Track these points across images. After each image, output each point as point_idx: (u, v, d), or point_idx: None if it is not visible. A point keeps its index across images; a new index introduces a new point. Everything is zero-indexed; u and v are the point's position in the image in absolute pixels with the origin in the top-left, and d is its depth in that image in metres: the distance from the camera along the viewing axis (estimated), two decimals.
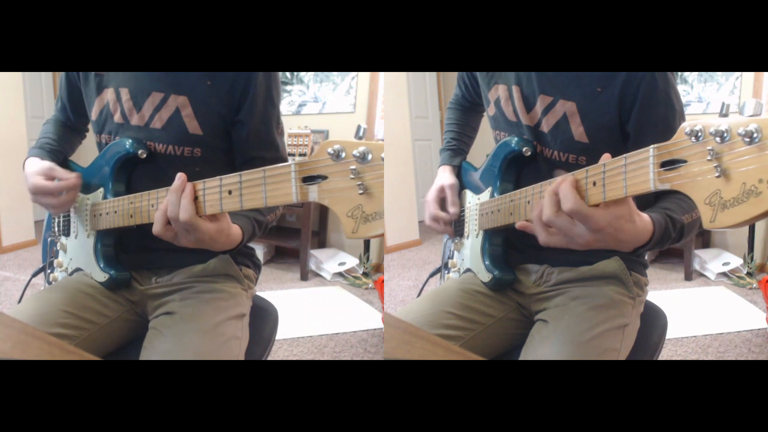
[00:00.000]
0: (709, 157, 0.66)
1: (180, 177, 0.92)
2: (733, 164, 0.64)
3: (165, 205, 0.93)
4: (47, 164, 1.17)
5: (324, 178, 0.77)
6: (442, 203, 1.28)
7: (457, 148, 1.36)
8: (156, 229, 0.94)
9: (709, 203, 0.67)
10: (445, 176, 1.29)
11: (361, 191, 0.75)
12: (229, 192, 0.87)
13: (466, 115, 1.39)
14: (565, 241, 0.86)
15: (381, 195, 0.74)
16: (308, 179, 0.78)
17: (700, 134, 0.67)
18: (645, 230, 0.86)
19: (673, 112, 1.02)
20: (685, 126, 0.69)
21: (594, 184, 0.83)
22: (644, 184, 0.75)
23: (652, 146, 0.73)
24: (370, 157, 0.74)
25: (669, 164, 0.71)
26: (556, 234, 0.87)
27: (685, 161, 0.69)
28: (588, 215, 0.81)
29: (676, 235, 0.92)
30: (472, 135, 1.40)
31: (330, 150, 0.76)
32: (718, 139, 0.65)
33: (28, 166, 1.19)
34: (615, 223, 0.82)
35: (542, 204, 0.87)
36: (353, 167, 0.75)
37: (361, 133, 0.78)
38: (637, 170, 0.75)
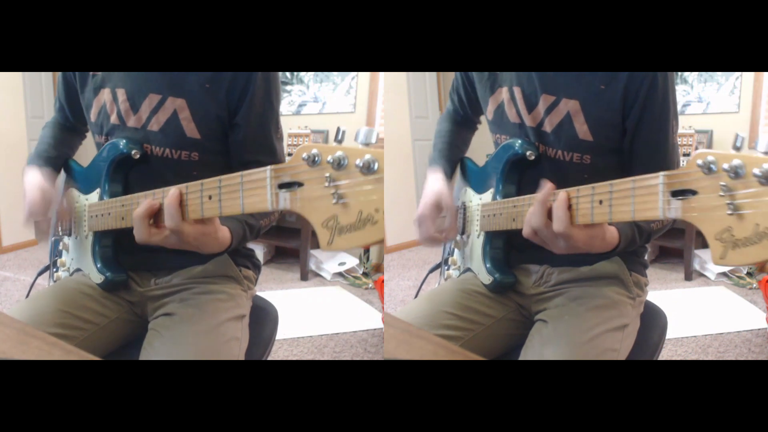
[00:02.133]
0: (721, 193, 0.65)
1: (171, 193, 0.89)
2: (747, 204, 0.63)
3: (145, 207, 0.91)
4: (44, 191, 1.16)
5: (300, 184, 0.73)
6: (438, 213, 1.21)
7: (448, 157, 1.29)
8: (138, 235, 0.92)
9: (720, 239, 0.65)
10: (440, 185, 1.21)
11: (335, 200, 0.70)
12: (209, 197, 0.85)
13: (458, 128, 1.34)
14: (541, 242, 0.93)
15: (359, 206, 0.69)
16: (285, 186, 0.74)
17: (712, 167, 0.65)
18: (611, 243, 0.95)
19: (668, 112, 1.04)
20: (697, 156, 0.67)
21: (600, 202, 0.82)
22: (653, 211, 0.73)
23: (662, 173, 0.72)
24: (345, 163, 0.69)
25: (680, 193, 0.70)
26: (538, 236, 0.93)
27: (695, 192, 0.68)
28: (571, 236, 0.88)
29: (642, 241, 1.01)
30: (463, 148, 1.34)
31: (305, 155, 0.71)
32: (731, 174, 0.64)
33: (29, 179, 1.18)
34: (589, 242, 0.90)
35: (533, 213, 0.91)
36: (327, 174, 0.70)
37: (340, 137, 0.75)
38: (646, 196, 0.74)
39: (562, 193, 0.88)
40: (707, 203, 0.67)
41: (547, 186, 0.89)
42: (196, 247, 0.94)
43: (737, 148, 3.31)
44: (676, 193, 0.70)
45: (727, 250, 0.65)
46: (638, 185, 0.75)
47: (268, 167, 0.75)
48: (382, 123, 3.65)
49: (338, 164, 0.69)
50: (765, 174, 0.61)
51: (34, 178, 1.18)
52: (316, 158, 0.71)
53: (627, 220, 0.79)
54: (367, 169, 0.68)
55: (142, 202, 0.93)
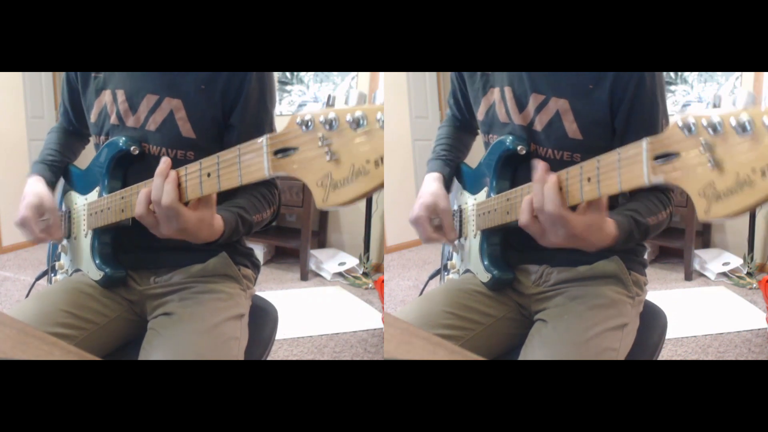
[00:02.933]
0: (702, 149, 0.66)
1: (165, 161, 0.93)
2: (726, 155, 0.64)
3: (149, 188, 0.94)
4: (43, 199, 1.17)
5: (295, 149, 0.76)
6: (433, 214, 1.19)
7: (447, 159, 1.28)
8: (138, 210, 0.95)
9: (704, 195, 0.67)
10: (434, 186, 1.20)
11: (329, 158, 0.73)
12: (208, 174, 0.87)
13: (457, 132, 1.34)
14: (540, 232, 0.92)
15: (351, 159, 0.72)
16: (281, 152, 0.77)
17: (692, 127, 0.67)
18: (609, 236, 0.93)
19: (657, 110, 1.05)
20: (678, 120, 0.69)
21: (589, 180, 0.83)
22: (638, 178, 0.75)
23: (644, 139, 0.73)
24: (336, 123, 0.72)
25: (662, 157, 0.71)
26: (536, 224, 0.92)
27: (678, 154, 0.69)
28: (567, 220, 0.87)
29: (639, 236, 1.00)
30: (464, 151, 1.34)
31: (298, 120, 0.75)
32: (710, 130, 0.65)
33: (29, 186, 1.19)
34: (587, 230, 0.89)
35: (534, 194, 0.91)
36: (321, 135, 0.73)
37: (330, 102, 0.77)
38: (631, 165, 0.76)
39: (552, 176, 0.89)
40: (689, 162, 0.68)
41: (541, 165, 0.90)
42: (193, 233, 0.95)
43: (716, 107, 3.32)
44: (659, 159, 0.72)
45: (711, 204, 0.66)
46: (624, 156, 0.77)
47: (264, 136, 0.79)
48: (381, 104, 3.65)
49: (330, 125, 0.73)
50: (741, 124, 0.63)
51: (35, 187, 1.19)
52: (309, 122, 0.74)
53: (614, 193, 0.80)
54: (357, 124, 0.71)
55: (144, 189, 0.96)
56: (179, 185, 0.92)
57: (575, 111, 1.05)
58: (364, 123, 0.71)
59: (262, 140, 0.79)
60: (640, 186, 0.75)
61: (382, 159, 0.71)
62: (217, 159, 0.86)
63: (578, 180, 0.85)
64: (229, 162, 0.84)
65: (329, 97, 0.77)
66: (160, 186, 0.92)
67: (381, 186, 0.71)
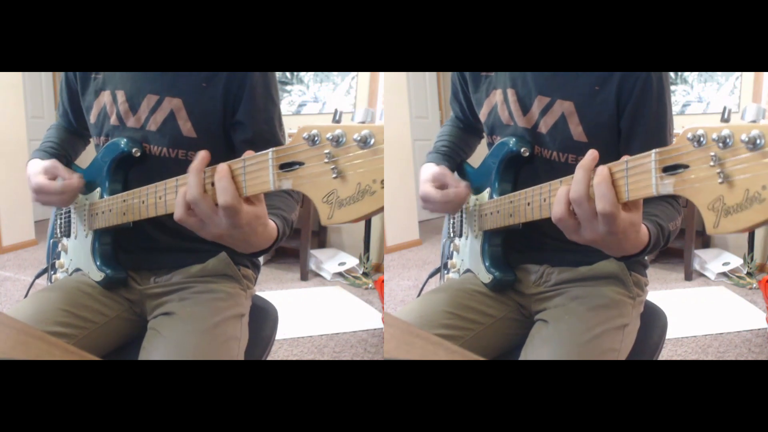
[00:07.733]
0: (711, 163, 0.66)
1: (200, 156, 0.86)
2: (736, 170, 0.64)
3: (185, 189, 0.86)
4: (50, 162, 1.16)
5: (301, 164, 0.76)
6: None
7: (446, 154, 1.27)
8: (177, 214, 0.87)
9: (713, 209, 0.67)
10: (436, 167, 1.19)
11: (335, 175, 0.73)
12: (212, 184, 0.86)
13: (460, 132, 1.33)
14: (575, 227, 0.85)
15: (357, 178, 0.72)
16: (286, 166, 0.78)
17: (702, 139, 0.67)
18: (642, 241, 0.88)
19: (664, 112, 1.05)
20: (687, 131, 0.69)
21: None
22: (646, 189, 0.75)
23: (653, 151, 0.73)
24: (343, 140, 0.73)
25: (671, 169, 0.71)
26: (572, 218, 0.84)
27: (687, 166, 0.69)
28: (617, 217, 0.79)
29: (663, 243, 0.95)
30: (467, 151, 1.32)
31: (305, 135, 0.75)
32: (720, 144, 0.65)
33: (30, 167, 1.18)
34: (629, 228, 0.82)
35: (575, 181, 0.83)
36: (327, 151, 0.73)
37: (338, 117, 0.77)
38: (639, 174, 0.76)
39: (603, 169, 0.80)
40: (698, 175, 0.68)
41: (590, 155, 0.82)
42: (246, 234, 0.86)
43: (726, 120, 3.32)
44: (668, 170, 0.72)
45: (720, 218, 0.66)
46: (631, 165, 0.77)
47: (270, 149, 0.78)
48: (382, 123, 3.66)
49: (337, 141, 0.73)
50: (752, 140, 0.62)
51: (37, 164, 1.16)
52: (316, 138, 0.74)
53: (621, 201, 0.79)
54: (364, 143, 0.71)
55: (173, 186, 0.92)
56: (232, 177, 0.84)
57: (581, 113, 1.05)
58: (371, 142, 0.71)
59: (269, 153, 0.79)
60: (648, 196, 0.75)
61: (383, 180, 0.72)
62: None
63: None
64: (236, 173, 0.83)
65: (336, 111, 0.76)
66: (194, 184, 0.84)
67: (382, 208, 0.72)
